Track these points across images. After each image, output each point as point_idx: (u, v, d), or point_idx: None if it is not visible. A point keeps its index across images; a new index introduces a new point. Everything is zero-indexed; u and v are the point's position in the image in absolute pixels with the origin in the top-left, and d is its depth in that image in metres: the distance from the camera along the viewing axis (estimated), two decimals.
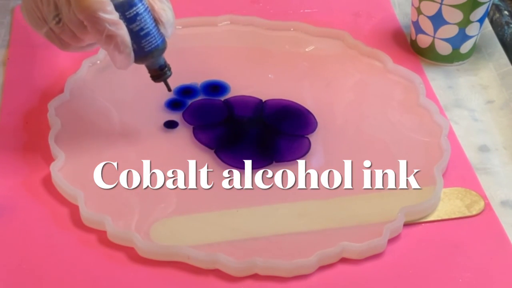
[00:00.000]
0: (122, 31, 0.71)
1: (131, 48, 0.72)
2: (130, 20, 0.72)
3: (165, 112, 0.81)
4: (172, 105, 0.82)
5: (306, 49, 0.89)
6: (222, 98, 0.82)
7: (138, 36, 0.73)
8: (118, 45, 0.71)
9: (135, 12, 0.72)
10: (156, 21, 0.74)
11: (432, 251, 0.70)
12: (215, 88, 0.84)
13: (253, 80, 0.85)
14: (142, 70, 0.85)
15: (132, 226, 0.70)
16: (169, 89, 0.78)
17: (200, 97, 0.83)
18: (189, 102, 0.82)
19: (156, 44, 0.74)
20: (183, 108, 0.81)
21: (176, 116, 0.81)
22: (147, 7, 0.73)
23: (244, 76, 0.85)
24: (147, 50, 0.74)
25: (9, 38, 0.91)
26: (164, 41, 0.75)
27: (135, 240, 0.69)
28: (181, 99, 0.82)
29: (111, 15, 0.70)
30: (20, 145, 0.78)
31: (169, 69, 0.76)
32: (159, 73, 0.76)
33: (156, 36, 0.74)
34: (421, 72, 0.87)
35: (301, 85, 0.85)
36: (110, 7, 0.70)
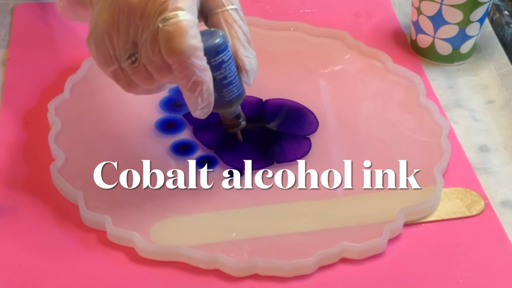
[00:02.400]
0: (208, 78, 0.67)
1: (214, 97, 0.69)
2: (214, 67, 0.68)
3: (166, 112, 0.81)
4: (173, 105, 0.82)
5: (306, 49, 0.89)
6: None
7: (220, 84, 0.69)
8: (202, 92, 0.67)
9: (220, 60, 0.68)
10: (239, 69, 0.70)
11: (432, 251, 0.70)
12: None
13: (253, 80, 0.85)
14: None
15: (132, 226, 0.70)
16: (240, 139, 0.76)
17: None
18: None
19: (237, 93, 0.71)
20: (183, 108, 0.81)
21: (176, 116, 0.81)
22: (232, 54, 0.69)
23: None
24: (227, 100, 0.70)
25: (9, 38, 0.91)
26: (244, 90, 0.71)
27: (135, 240, 0.69)
28: (181, 99, 0.82)
29: (202, 61, 0.67)
30: (20, 145, 0.78)
31: (244, 119, 0.74)
32: (234, 122, 0.74)
33: (238, 85, 0.70)
34: (421, 72, 0.87)
35: (300, 85, 0.85)
36: (202, 53, 0.66)
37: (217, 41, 0.68)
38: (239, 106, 0.73)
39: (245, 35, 0.71)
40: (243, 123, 0.74)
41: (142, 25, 0.66)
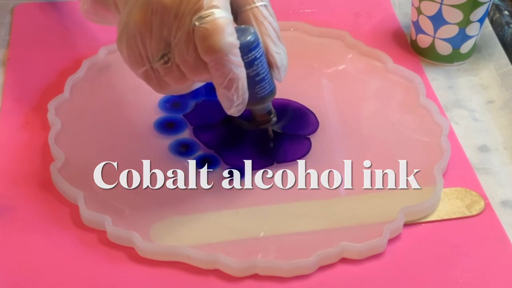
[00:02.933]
0: (244, 75, 0.68)
1: (248, 94, 0.69)
2: (247, 64, 0.68)
3: (165, 112, 0.81)
4: (173, 105, 0.82)
5: (306, 49, 0.89)
6: None
7: (253, 81, 0.69)
8: (238, 89, 0.68)
9: (253, 57, 0.69)
10: (270, 65, 0.71)
11: (432, 251, 0.70)
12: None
13: None
14: None
15: (132, 226, 0.70)
16: (271, 136, 0.76)
17: (203, 98, 0.83)
18: (190, 102, 0.82)
19: (269, 89, 0.71)
20: (183, 108, 0.81)
21: (176, 116, 0.81)
22: (263, 51, 0.70)
23: None
24: (260, 96, 0.71)
25: (9, 38, 0.91)
26: (275, 86, 0.72)
27: (135, 240, 0.69)
28: (182, 100, 0.82)
29: (239, 58, 0.67)
30: (20, 145, 0.78)
31: (275, 115, 0.74)
32: (266, 118, 0.74)
33: (269, 81, 0.71)
34: (421, 72, 0.87)
35: (300, 85, 0.85)
36: (238, 50, 0.67)
37: (249, 38, 0.68)
38: (270, 102, 0.73)
39: (275, 31, 0.71)
40: (274, 118, 0.75)
41: (176, 24, 0.66)
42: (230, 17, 0.67)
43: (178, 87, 0.70)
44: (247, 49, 0.68)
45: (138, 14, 0.67)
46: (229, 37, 0.66)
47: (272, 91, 0.72)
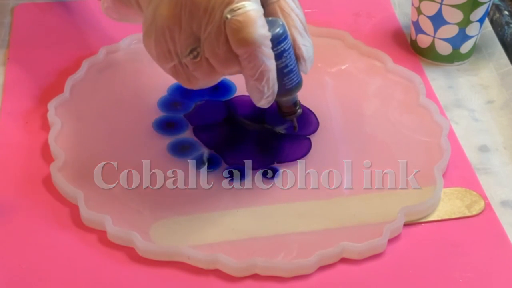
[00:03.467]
0: (274, 67, 0.68)
1: (277, 85, 0.70)
2: (277, 56, 0.68)
3: (165, 112, 0.81)
4: (171, 105, 0.82)
5: None
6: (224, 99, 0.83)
7: (282, 73, 0.70)
8: (269, 81, 0.68)
9: (282, 49, 0.69)
10: (297, 57, 0.71)
11: (432, 251, 0.70)
12: (216, 88, 0.83)
13: None
14: (142, 70, 0.85)
15: (132, 226, 0.70)
16: (296, 128, 0.76)
17: (203, 98, 0.83)
18: (190, 103, 0.82)
19: (297, 81, 0.71)
20: (183, 108, 0.81)
21: (176, 116, 0.81)
22: (291, 43, 0.70)
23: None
24: (288, 88, 0.71)
25: (9, 38, 0.91)
26: (302, 78, 0.72)
27: (135, 240, 0.69)
28: (181, 100, 0.82)
29: (270, 50, 0.67)
30: (20, 145, 0.78)
31: (300, 107, 0.75)
32: (293, 109, 0.74)
33: (297, 73, 0.71)
34: (421, 72, 0.87)
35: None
36: (269, 42, 0.67)
37: (277, 30, 0.69)
38: (297, 94, 0.73)
39: (302, 23, 0.71)
40: (300, 110, 0.75)
41: (207, 18, 0.67)
42: (261, 9, 0.67)
43: (207, 81, 0.70)
44: (277, 41, 0.69)
45: (167, 9, 0.67)
46: (262, 29, 0.66)
47: (299, 82, 0.72)
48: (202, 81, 0.70)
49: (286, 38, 0.69)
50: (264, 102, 0.70)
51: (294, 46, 0.71)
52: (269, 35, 0.67)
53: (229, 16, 0.66)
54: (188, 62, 0.69)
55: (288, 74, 0.71)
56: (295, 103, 0.74)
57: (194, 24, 0.67)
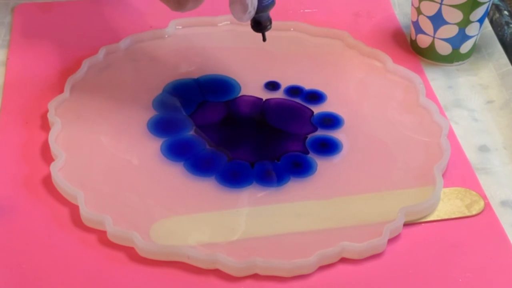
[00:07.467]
0: None
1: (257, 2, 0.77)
2: None
3: (165, 112, 0.81)
4: (171, 105, 0.82)
5: (306, 49, 0.89)
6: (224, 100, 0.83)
7: None
8: None
9: None
10: None
11: (432, 251, 0.70)
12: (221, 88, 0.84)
13: (254, 80, 0.85)
14: (142, 70, 0.85)
15: (132, 226, 0.70)
16: (265, 39, 0.81)
17: (204, 99, 0.83)
18: (190, 103, 0.82)
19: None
20: (181, 107, 0.81)
21: (175, 116, 0.81)
22: None
23: (244, 76, 0.85)
24: (264, 5, 0.78)
25: (9, 38, 0.91)
26: None
27: (135, 240, 0.69)
28: (181, 100, 0.82)
29: None
30: (20, 145, 0.78)
31: (271, 23, 0.80)
32: (267, 24, 0.80)
33: None
34: (421, 72, 0.87)
35: (300, 84, 0.85)
36: None
37: None
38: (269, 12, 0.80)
39: None
40: (270, 26, 0.80)
41: None
42: None
43: (195, 3, 0.75)
44: None
45: None
46: None
47: (273, 1, 0.79)
48: (191, 3, 0.74)
49: None
50: (247, 16, 0.75)
51: None
52: None
53: None
54: None
55: None
56: (270, 19, 0.80)
57: None
